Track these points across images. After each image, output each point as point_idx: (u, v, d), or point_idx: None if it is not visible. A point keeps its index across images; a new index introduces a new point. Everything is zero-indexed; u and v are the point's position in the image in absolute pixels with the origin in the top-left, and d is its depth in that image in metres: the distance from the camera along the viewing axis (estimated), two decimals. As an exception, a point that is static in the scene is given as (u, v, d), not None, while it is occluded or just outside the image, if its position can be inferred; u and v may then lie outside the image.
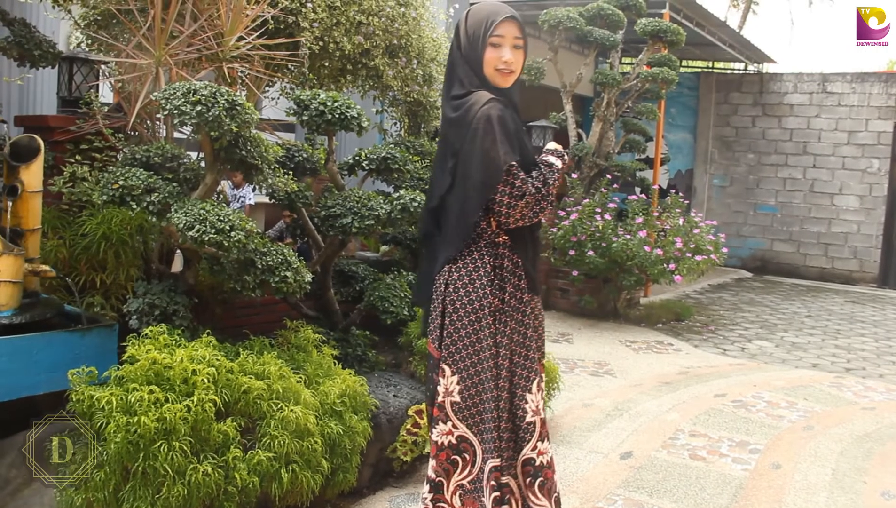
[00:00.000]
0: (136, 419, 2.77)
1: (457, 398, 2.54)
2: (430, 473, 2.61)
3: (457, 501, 2.59)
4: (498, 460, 2.54)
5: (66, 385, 3.01)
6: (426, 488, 2.63)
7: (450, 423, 2.55)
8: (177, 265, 4.19)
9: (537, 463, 2.58)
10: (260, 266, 3.54)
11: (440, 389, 2.56)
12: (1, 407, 3.13)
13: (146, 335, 3.17)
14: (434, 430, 2.59)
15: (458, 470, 2.57)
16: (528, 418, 2.58)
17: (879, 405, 5.71)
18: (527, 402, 2.58)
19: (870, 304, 11.02)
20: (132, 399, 2.82)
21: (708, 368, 6.65)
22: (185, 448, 2.84)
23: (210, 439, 2.94)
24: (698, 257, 8.03)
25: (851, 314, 10.03)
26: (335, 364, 3.71)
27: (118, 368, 3.02)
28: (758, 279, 12.95)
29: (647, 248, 7.86)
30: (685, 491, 3.98)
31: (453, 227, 2.56)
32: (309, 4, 4.72)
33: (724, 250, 8.62)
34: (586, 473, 4.13)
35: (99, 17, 4.57)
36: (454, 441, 2.56)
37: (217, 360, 3.10)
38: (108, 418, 2.81)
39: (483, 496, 2.56)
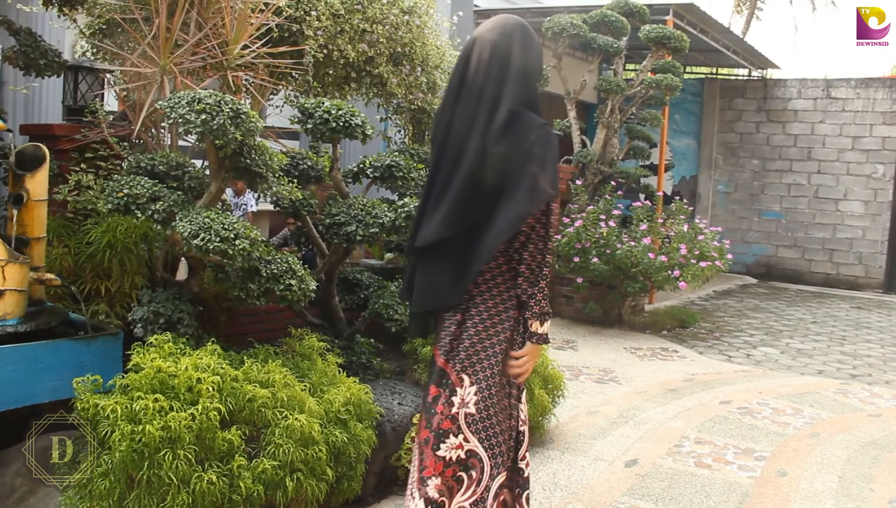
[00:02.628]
0: (140, 427, 2.77)
1: (472, 410, 2.45)
2: (432, 493, 2.45)
3: None
4: (505, 474, 2.49)
5: (72, 394, 3.01)
6: None
7: (461, 436, 2.45)
8: (181, 273, 4.20)
9: (525, 475, 2.57)
10: (265, 274, 3.55)
11: (455, 400, 2.46)
12: (6, 416, 3.14)
13: (151, 343, 3.18)
14: (442, 444, 2.45)
15: (462, 490, 2.44)
16: (520, 427, 2.57)
17: (886, 412, 5.69)
18: (521, 412, 2.56)
19: (875, 310, 10.98)
20: (137, 408, 2.82)
21: (713, 375, 6.63)
22: (190, 456, 2.83)
23: (215, 447, 2.94)
24: (703, 264, 8.01)
25: (857, 320, 10.00)
26: (340, 372, 3.71)
27: (123, 376, 3.02)
28: (763, 285, 12.92)
29: (651, 254, 7.85)
30: (690, 499, 3.96)
31: (489, 244, 2.41)
32: (313, 13, 4.73)
33: (729, 256, 8.60)
34: (591, 481, 4.11)
35: (104, 26, 4.60)
36: (462, 457, 2.44)
37: (222, 368, 3.10)
38: (112, 426, 2.81)
39: None
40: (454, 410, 2.46)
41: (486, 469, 2.45)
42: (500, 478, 2.47)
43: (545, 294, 2.47)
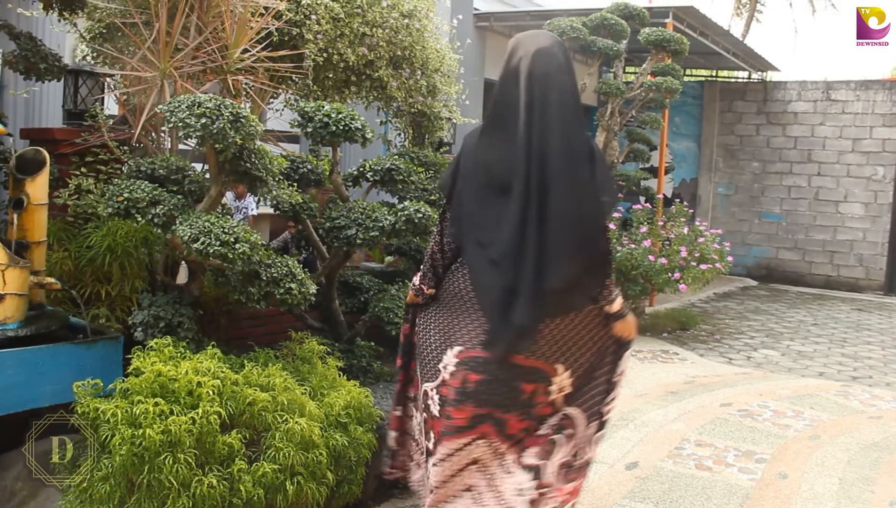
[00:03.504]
0: (141, 431, 2.77)
1: (569, 390, 2.66)
2: (530, 460, 2.64)
3: (560, 481, 2.67)
4: (596, 423, 2.73)
5: (72, 398, 3.01)
6: (525, 477, 2.63)
7: (560, 414, 2.66)
8: (182, 277, 4.20)
9: (604, 419, 2.77)
10: (265, 278, 3.55)
11: (552, 388, 2.62)
12: (6, 420, 3.14)
13: (151, 347, 3.18)
14: (542, 426, 2.65)
15: (556, 450, 2.66)
16: (615, 378, 2.76)
17: (886, 414, 5.68)
18: (619, 366, 2.76)
19: (876, 312, 10.98)
20: (137, 412, 2.82)
21: (714, 377, 6.63)
22: (190, 460, 2.83)
23: (215, 451, 2.94)
24: (703, 266, 8.00)
25: (857, 322, 9.99)
26: (340, 376, 3.71)
27: (123, 380, 3.02)
28: (763, 288, 12.92)
29: (651, 257, 7.85)
30: (691, 502, 3.96)
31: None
32: (313, 16, 4.74)
33: (729, 258, 8.59)
34: (592, 483, 4.11)
35: (104, 30, 4.61)
36: (557, 423, 2.66)
37: (222, 372, 3.11)
38: (113, 430, 2.81)
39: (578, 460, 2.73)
40: (552, 397, 2.65)
41: (581, 424, 2.69)
42: (594, 426, 2.74)
43: (605, 284, 2.63)
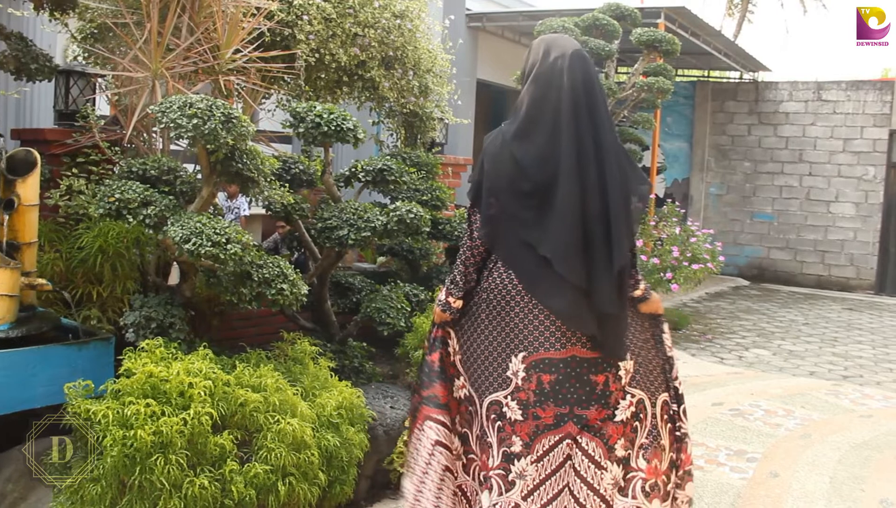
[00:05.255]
0: (132, 432, 2.77)
1: (632, 370, 2.76)
2: (621, 452, 2.70)
3: (642, 463, 2.75)
4: (667, 394, 2.91)
5: (63, 399, 3.01)
6: (618, 470, 2.71)
7: (629, 397, 2.74)
8: (173, 278, 4.20)
9: (680, 391, 2.96)
10: (256, 279, 3.54)
11: (622, 374, 2.72)
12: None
13: (143, 348, 3.17)
14: (617, 412, 2.71)
15: (637, 437, 2.75)
16: (668, 353, 2.89)
17: (877, 413, 5.71)
18: (666, 340, 2.91)
19: (867, 311, 11.03)
20: (129, 413, 2.82)
21: (705, 377, 6.65)
22: (182, 461, 2.83)
23: (206, 452, 2.94)
24: (695, 266, 8.03)
25: (848, 322, 10.04)
26: (332, 376, 3.71)
27: (115, 381, 3.02)
28: (755, 287, 12.96)
29: (643, 257, 7.87)
30: (683, 501, 3.97)
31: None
32: (305, 17, 4.74)
33: (721, 258, 8.63)
34: (584, 483, 4.12)
35: (95, 31, 4.59)
36: (635, 411, 2.76)
37: (214, 373, 3.10)
38: (104, 431, 2.81)
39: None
40: (623, 382, 2.72)
41: (648, 405, 2.80)
42: (663, 397, 2.88)
43: (630, 273, 2.73)
